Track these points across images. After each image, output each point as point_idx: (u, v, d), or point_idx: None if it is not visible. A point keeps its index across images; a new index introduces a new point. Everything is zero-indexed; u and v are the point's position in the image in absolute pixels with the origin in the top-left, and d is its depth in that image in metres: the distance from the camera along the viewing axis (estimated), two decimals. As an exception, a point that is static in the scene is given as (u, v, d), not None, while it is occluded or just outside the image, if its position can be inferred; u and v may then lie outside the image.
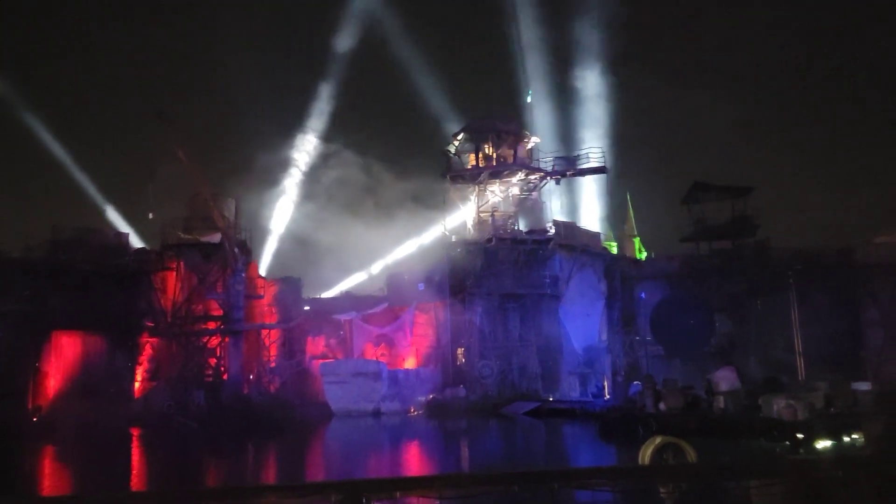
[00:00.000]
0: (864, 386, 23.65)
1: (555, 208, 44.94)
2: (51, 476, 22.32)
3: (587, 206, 50.95)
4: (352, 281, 50.30)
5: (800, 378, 34.73)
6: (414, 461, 23.96)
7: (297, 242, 54.42)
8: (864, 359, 39.69)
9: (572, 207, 48.89)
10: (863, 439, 18.05)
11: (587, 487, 4.72)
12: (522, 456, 24.23)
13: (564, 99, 51.15)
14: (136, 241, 42.57)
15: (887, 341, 40.34)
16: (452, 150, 44.47)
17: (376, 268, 51.18)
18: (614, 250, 48.32)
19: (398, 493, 4.45)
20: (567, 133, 49.16)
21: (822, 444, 19.00)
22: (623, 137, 51.53)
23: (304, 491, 4.65)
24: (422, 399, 39.04)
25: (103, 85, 75.17)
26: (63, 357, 36.21)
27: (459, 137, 44.45)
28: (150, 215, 42.00)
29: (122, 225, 46.41)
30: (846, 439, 18.95)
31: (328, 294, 47.96)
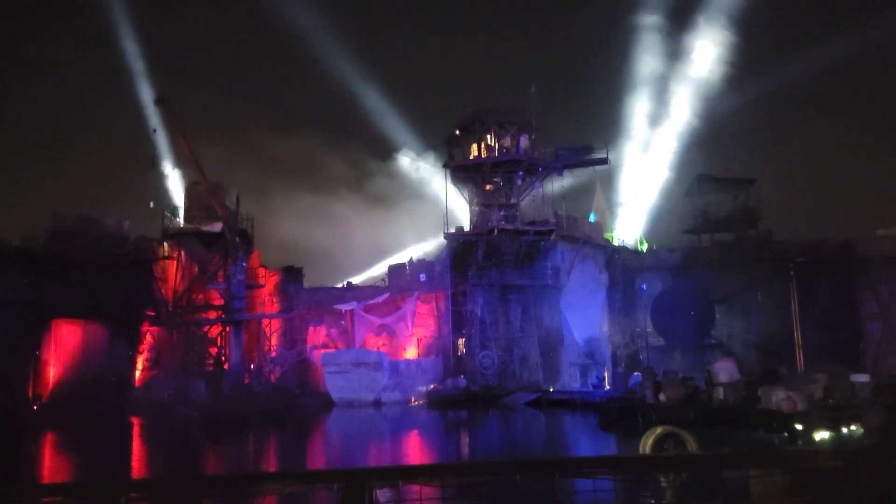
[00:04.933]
0: (862, 378, 23.69)
1: (557, 199, 44.84)
2: (51, 464, 22.41)
3: (589, 197, 50.98)
4: (356, 276, 50.57)
5: (799, 370, 34.76)
6: (415, 451, 24.06)
7: (299, 234, 54.63)
8: (864, 351, 39.76)
9: (574, 198, 48.85)
10: (861, 430, 18.11)
11: (588, 476, 4.74)
12: (523, 446, 24.33)
13: (570, 91, 50.97)
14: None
15: (886, 334, 40.40)
16: (454, 140, 44.33)
17: (380, 259, 51.44)
18: (616, 241, 48.30)
19: (400, 482, 4.46)
20: (572, 125, 49.07)
21: (821, 435, 19.05)
22: (630, 130, 51.36)
23: (306, 479, 4.67)
24: (423, 389, 39.14)
25: (100, 67, 74.81)
26: (63, 346, 36.27)
27: (461, 127, 44.28)
28: (151, 204, 42.04)
29: (121, 213, 46.50)
30: (844, 431, 19.00)
31: (331, 284, 48.03)
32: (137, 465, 21.42)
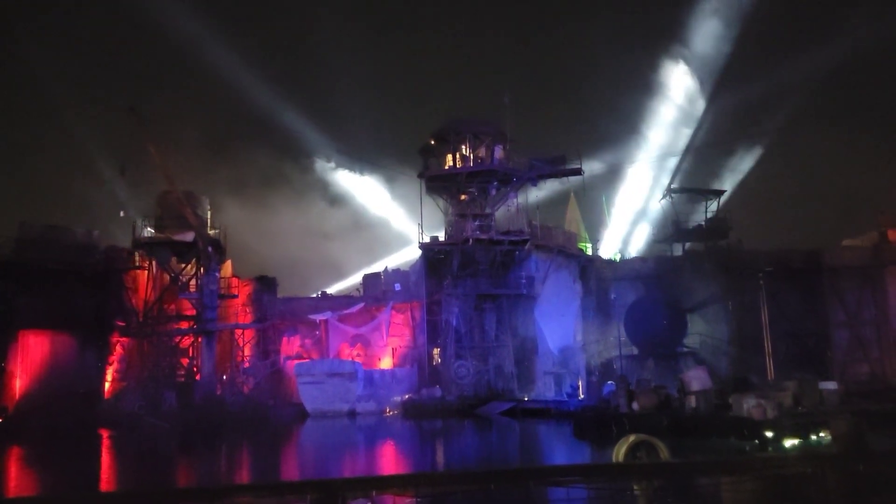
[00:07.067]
0: (830, 385, 24.17)
1: (531, 209, 45.10)
2: (17, 477, 21.85)
3: (563, 208, 51.47)
4: (330, 285, 50.49)
5: (769, 378, 35.27)
6: (390, 461, 23.92)
7: (272, 244, 54.23)
8: (831, 359, 40.50)
9: (548, 209, 49.23)
10: (829, 437, 18.43)
11: (562, 485, 4.77)
12: (498, 455, 24.33)
13: (544, 102, 51.54)
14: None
15: (853, 342, 41.24)
16: (429, 150, 44.40)
17: (354, 269, 51.41)
18: (589, 251, 48.70)
19: (374, 492, 4.45)
20: (547, 136, 49.62)
21: (790, 442, 19.38)
22: (604, 141, 52.10)
23: (280, 490, 4.63)
24: (398, 399, 38.96)
25: (69, 74, 73.53)
26: (30, 357, 35.49)
27: (436, 138, 44.38)
28: (122, 213, 41.41)
29: (91, 222, 45.62)
30: (813, 437, 19.35)
31: (305, 294, 47.70)
32: (107, 477, 20.99)
